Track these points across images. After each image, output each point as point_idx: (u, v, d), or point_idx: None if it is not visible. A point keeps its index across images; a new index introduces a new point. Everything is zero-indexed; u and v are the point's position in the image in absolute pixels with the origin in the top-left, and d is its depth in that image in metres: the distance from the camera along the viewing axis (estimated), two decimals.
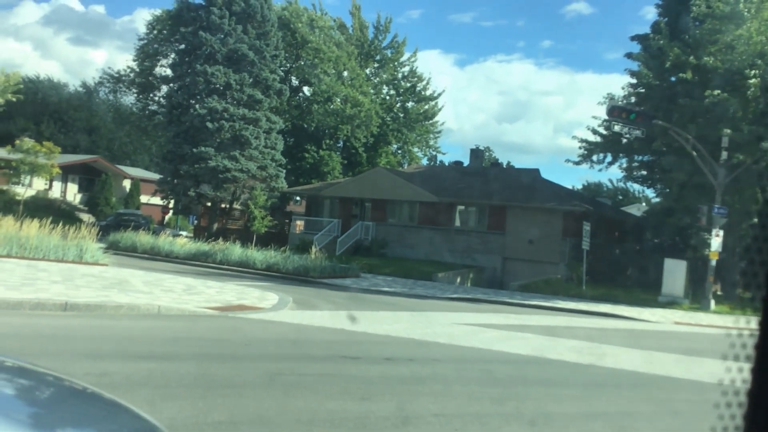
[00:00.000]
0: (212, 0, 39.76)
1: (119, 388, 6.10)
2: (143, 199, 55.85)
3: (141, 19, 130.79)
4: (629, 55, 31.81)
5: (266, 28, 41.16)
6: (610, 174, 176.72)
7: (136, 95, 53.89)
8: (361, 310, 15.97)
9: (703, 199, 26.19)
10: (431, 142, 55.81)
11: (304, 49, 47.57)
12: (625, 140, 30.98)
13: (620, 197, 65.22)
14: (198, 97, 39.22)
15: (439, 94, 54.10)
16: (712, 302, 24.29)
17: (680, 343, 15.13)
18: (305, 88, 51.37)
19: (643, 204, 56.54)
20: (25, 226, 19.90)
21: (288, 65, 49.15)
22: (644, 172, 35.38)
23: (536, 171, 41.46)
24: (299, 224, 41.49)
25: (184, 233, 43.43)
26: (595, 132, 33.32)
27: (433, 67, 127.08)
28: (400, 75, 53.70)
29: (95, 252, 20.41)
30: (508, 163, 71.05)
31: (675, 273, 25.40)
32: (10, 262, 17.16)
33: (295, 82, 51.26)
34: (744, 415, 1.15)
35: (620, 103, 30.34)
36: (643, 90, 31.16)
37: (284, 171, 42.14)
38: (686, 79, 26.23)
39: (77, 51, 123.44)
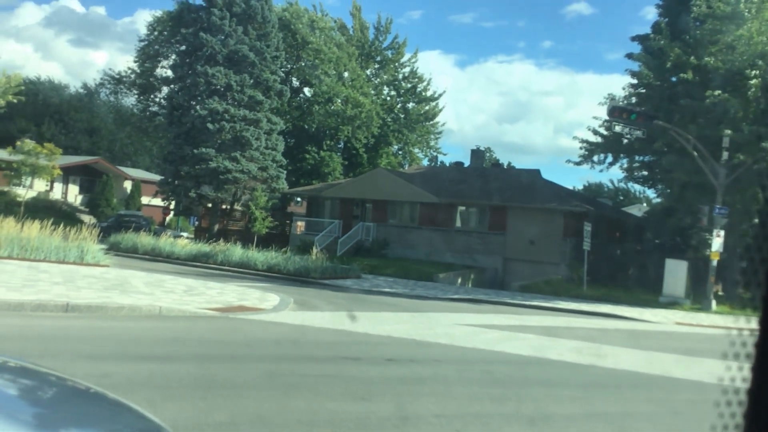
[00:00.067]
0: (213, 1, 39.79)
1: (120, 388, 6.10)
2: (144, 200, 55.89)
3: (142, 20, 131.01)
4: (630, 56, 31.84)
5: (267, 29, 41.18)
6: (611, 174, 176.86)
7: (136, 96, 53.95)
8: (362, 311, 15.97)
9: (704, 200, 26.18)
10: (432, 143, 55.84)
11: (305, 50, 47.60)
12: (625, 141, 30.97)
13: (621, 198, 65.25)
14: (199, 98, 39.24)
15: (440, 95, 54.16)
16: (714, 303, 24.27)
17: (681, 344, 15.12)
18: (306, 89, 51.39)
19: (644, 204, 56.57)
20: (26, 227, 19.91)
21: (289, 66, 49.18)
22: (645, 173, 35.38)
23: (537, 171, 41.47)
24: (300, 225, 41.48)
25: (185, 234, 43.43)
26: (595, 132, 33.32)
27: (434, 67, 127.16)
28: (400, 76, 53.72)
29: (96, 253, 20.42)
30: (509, 163, 71.05)
31: (676, 273, 25.39)
32: (11, 264, 17.17)
33: (295, 83, 51.28)
34: (744, 414, 1.15)
35: (621, 103, 30.33)
36: (643, 90, 31.16)
37: (285, 172, 42.14)
38: (687, 79, 26.22)
39: (78, 52, 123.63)
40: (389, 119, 51.74)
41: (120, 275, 17.58)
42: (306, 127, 48.81)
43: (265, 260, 26.36)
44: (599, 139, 33.20)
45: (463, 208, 36.53)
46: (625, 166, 34.95)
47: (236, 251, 27.61)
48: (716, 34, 25.95)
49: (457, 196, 36.68)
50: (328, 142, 49.36)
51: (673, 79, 28.52)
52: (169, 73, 46.89)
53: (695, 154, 24.83)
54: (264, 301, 15.26)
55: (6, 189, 44.38)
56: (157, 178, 47.78)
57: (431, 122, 54.19)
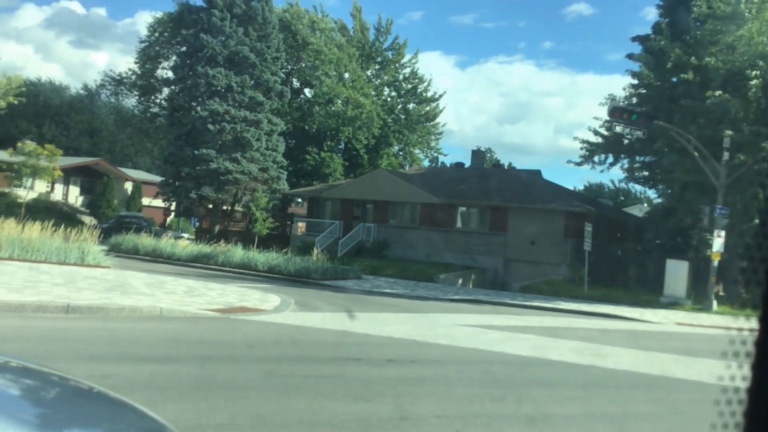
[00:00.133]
0: (213, 2, 39.83)
1: (121, 389, 6.08)
2: (145, 201, 55.91)
3: (142, 21, 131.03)
4: (630, 56, 31.85)
5: (267, 30, 41.22)
6: (612, 175, 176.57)
7: (137, 97, 53.99)
8: (362, 312, 15.97)
9: (704, 200, 26.18)
10: (432, 144, 55.81)
11: (305, 51, 47.61)
12: (626, 141, 30.99)
13: (622, 198, 65.25)
14: (199, 99, 39.27)
15: (440, 96, 54.12)
16: (714, 303, 24.26)
17: (682, 344, 15.12)
18: (306, 90, 51.39)
19: (645, 205, 56.55)
20: (26, 228, 19.93)
21: (289, 67, 49.20)
22: (646, 173, 35.38)
23: (537, 172, 41.49)
24: (301, 226, 41.49)
25: (185, 235, 43.45)
26: (596, 133, 33.33)
27: (434, 68, 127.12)
28: (401, 76, 53.71)
29: (97, 254, 20.42)
30: (510, 164, 71.00)
31: (677, 274, 25.37)
32: (12, 265, 17.18)
33: (296, 84, 51.30)
34: (744, 413, 1.15)
35: (621, 103, 30.33)
36: (644, 91, 31.17)
37: (285, 173, 42.16)
38: (687, 79, 26.22)
39: (79, 54, 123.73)
40: (390, 120, 51.74)
41: (121, 276, 17.58)
42: (306, 128, 48.82)
43: (266, 261, 26.37)
44: (600, 140, 33.21)
45: (463, 208, 36.53)
46: (626, 166, 34.98)
47: (237, 252, 27.62)
48: (717, 35, 25.96)
49: (458, 196, 36.69)
50: (329, 143, 49.37)
51: (674, 79, 28.52)
52: (170, 74, 46.99)
53: (696, 154, 24.83)
54: (265, 302, 15.26)
55: (7, 190, 44.41)
56: (157, 179, 47.83)
57: (432, 123, 54.18)
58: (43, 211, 40.95)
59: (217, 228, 40.89)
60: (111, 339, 9.86)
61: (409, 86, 53.49)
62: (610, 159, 33.73)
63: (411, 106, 53.37)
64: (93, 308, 11.64)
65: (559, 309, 21.70)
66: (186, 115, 39.36)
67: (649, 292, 27.05)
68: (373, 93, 50.15)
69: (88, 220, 45.13)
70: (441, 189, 37.28)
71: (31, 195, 45.86)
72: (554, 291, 26.97)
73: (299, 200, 52.36)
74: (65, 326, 10.35)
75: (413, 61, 53.73)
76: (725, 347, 1.22)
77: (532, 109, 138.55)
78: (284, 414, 6.29)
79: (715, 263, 23.97)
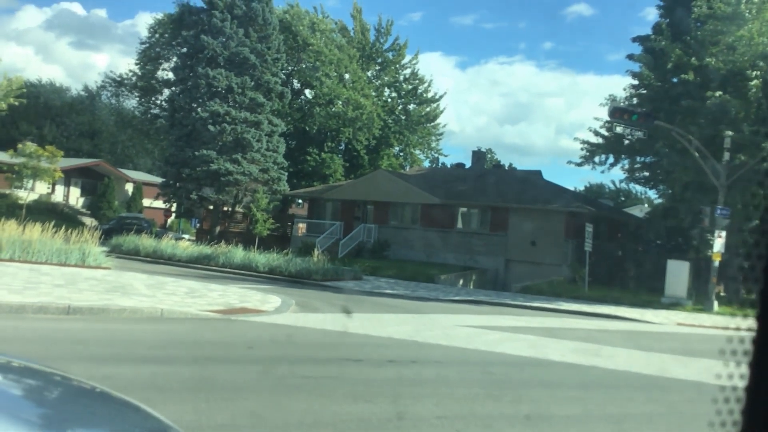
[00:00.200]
0: (214, 3, 39.85)
1: (122, 391, 6.08)
2: (146, 202, 55.95)
3: (143, 22, 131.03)
4: (631, 57, 31.86)
5: (268, 31, 41.25)
6: (612, 175, 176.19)
7: (138, 99, 54.04)
8: (363, 313, 15.97)
9: (705, 200, 26.17)
10: (433, 145, 55.80)
11: (306, 52, 47.62)
12: (626, 141, 31.00)
13: (622, 198, 65.24)
14: (200, 100, 39.29)
15: (441, 97, 54.10)
16: (715, 303, 24.24)
17: (682, 344, 15.12)
18: (307, 91, 51.40)
19: (645, 205, 56.52)
20: (27, 230, 19.93)
21: (289, 68, 49.22)
22: (646, 173, 35.39)
23: (538, 172, 41.49)
24: (301, 227, 41.50)
25: (186, 236, 43.47)
26: (596, 133, 33.34)
27: (435, 69, 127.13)
28: (401, 77, 53.71)
29: (98, 255, 20.43)
30: (510, 164, 71.02)
31: (678, 274, 25.36)
32: (12, 266, 17.19)
33: (296, 85, 51.31)
34: (742, 411, 1.15)
35: (622, 104, 30.35)
36: (644, 91, 31.17)
37: (286, 174, 42.18)
38: (688, 80, 26.23)
39: (79, 55, 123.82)
40: (390, 121, 51.74)
41: (121, 277, 17.59)
42: (307, 128, 48.82)
43: (267, 262, 26.37)
44: (600, 140, 33.22)
45: (464, 209, 36.53)
46: (626, 166, 35.00)
47: (238, 253, 27.62)
48: (717, 35, 25.97)
49: (459, 197, 36.69)
50: (329, 144, 49.37)
51: (674, 79, 28.53)
52: (170, 75, 47.03)
53: (696, 154, 24.82)
54: (265, 303, 15.26)
55: (7, 192, 44.45)
56: (158, 180, 47.86)
57: (432, 124, 54.18)
58: (43, 212, 41.00)
59: (217, 229, 40.90)
60: (112, 340, 9.87)
61: (410, 87, 53.49)
62: (611, 159, 33.75)
63: (411, 106, 53.38)
64: (94, 309, 11.65)
65: (560, 309, 21.69)
66: (186, 116, 39.39)
67: (649, 292, 27.04)
68: (373, 94, 50.14)
69: (88, 221, 45.16)
70: (441, 189, 37.28)
71: (32, 196, 45.90)
72: (555, 291, 26.96)
73: (300, 201, 52.35)
74: (66, 327, 10.36)
75: (413, 62, 53.77)
76: (723, 346, 1.22)
77: (533, 109, 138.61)
78: (284, 414, 6.29)
79: (716, 263, 23.96)
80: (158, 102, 52.56)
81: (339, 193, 40.09)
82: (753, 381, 1.14)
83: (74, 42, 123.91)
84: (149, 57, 51.00)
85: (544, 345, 12.69)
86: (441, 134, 55.83)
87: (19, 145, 40.48)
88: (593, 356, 11.67)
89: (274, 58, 41.31)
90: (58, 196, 54.22)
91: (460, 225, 36.27)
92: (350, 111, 46.11)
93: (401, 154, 54.61)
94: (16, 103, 39.83)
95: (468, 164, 46.55)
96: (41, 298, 11.78)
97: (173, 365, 8.30)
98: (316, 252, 28.70)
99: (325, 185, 43.91)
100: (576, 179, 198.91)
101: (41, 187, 48.41)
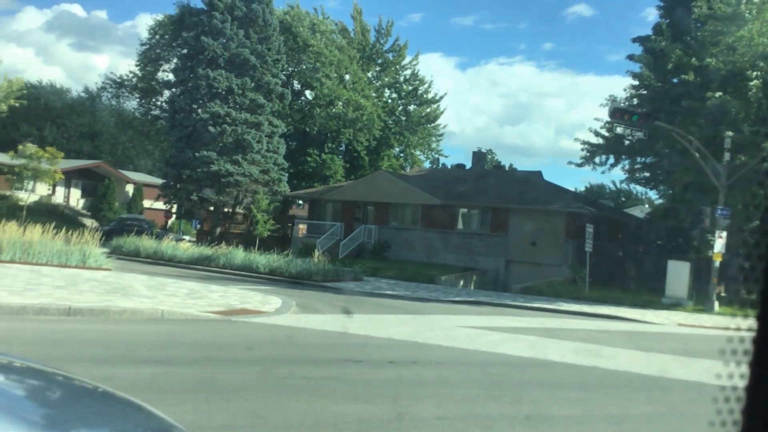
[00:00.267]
0: (214, 5, 39.87)
1: (123, 391, 6.09)
2: (146, 203, 55.98)
3: (143, 24, 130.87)
4: (631, 57, 31.86)
5: (268, 32, 41.26)
6: (613, 176, 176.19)
7: (138, 100, 54.05)
8: (363, 314, 15.98)
9: (705, 200, 26.17)
10: (433, 145, 55.79)
11: (306, 53, 47.63)
12: (627, 142, 30.99)
13: (623, 199, 65.24)
14: (200, 101, 39.31)
15: (441, 97, 54.09)
16: (716, 304, 24.24)
17: (683, 345, 15.11)
18: (307, 92, 51.41)
19: (646, 205, 56.52)
20: (28, 231, 19.94)
21: (290, 69, 49.22)
22: (646, 174, 35.39)
23: (538, 173, 41.49)
24: (302, 228, 41.51)
25: (186, 237, 43.48)
26: (597, 134, 33.34)
27: (435, 70, 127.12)
28: (401, 78, 53.70)
29: (98, 257, 20.44)
30: (511, 165, 71.08)
31: (678, 274, 25.36)
32: (13, 267, 17.19)
33: (297, 86, 51.32)
34: (742, 410, 1.15)
35: (622, 104, 30.35)
36: (645, 91, 31.17)
37: (286, 175, 42.18)
38: (688, 80, 26.23)
39: (79, 56, 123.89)
40: (390, 122, 51.74)
41: (122, 279, 17.60)
42: (307, 129, 48.84)
43: (267, 263, 26.37)
44: (601, 141, 33.22)
45: (464, 210, 36.53)
46: (627, 167, 34.99)
47: (238, 254, 27.63)
48: (717, 35, 25.97)
49: (459, 198, 36.70)
50: (330, 145, 49.38)
51: (675, 80, 28.53)
52: (171, 76, 47.02)
53: (697, 154, 24.82)
54: (266, 304, 15.26)
55: (8, 193, 44.47)
56: (158, 181, 47.88)
57: (432, 124, 54.17)
58: (44, 213, 41.03)
59: (218, 230, 40.91)
60: (112, 341, 9.87)
61: (410, 88, 53.49)
62: (611, 160, 33.74)
63: (412, 107, 53.38)
64: (94, 311, 11.65)
65: (560, 310, 21.69)
66: (187, 117, 39.40)
67: (650, 293, 27.04)
68: (373, 95, 50.15)
69: (89, 222, 45.19)
70: (442, 190, 37.29)
71: (33, 198, 45.90)
72: (555, 292, 26.96)
73: (300, 202, 52.36)
74: (67, 328, 10.37)
75: (414, 62, 53.75)
76: (724, 346, 1.22)
77: (533, 110, 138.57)
78: (285, 415, 6.30)
79: (717, 264, 23.96)
80: (158, 103, 52.59)
81: (339, 194, 40.10)
82: (753, 381, 1.14)
83: (74, 43, 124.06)
84: (149, 58, 51.01)
85: (544, 346, 12.69)
86: (441, 135, 55.86)
87: (20, 147, 40.49)
88: (594, 357, 11.67)
89: (275, 59, 41.32)
90: (59, 197, 54.23)
91: (460, 226, 36.27)
92: (350, 112, 46.12)
93: (401, 154, 54.61)
94: (17, 105, 39.85)
95: (468, 165, 46.59)
96: (42, 300, 11.79)
97: (174, 366, 8.30)
98: (316, 253, 28.71)
99: (325, 186, 43.93)
100: (576, 180, 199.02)
101: (42, 189, 48.41)
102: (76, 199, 56.38)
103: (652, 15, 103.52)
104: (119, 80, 53.65)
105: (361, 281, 26.42)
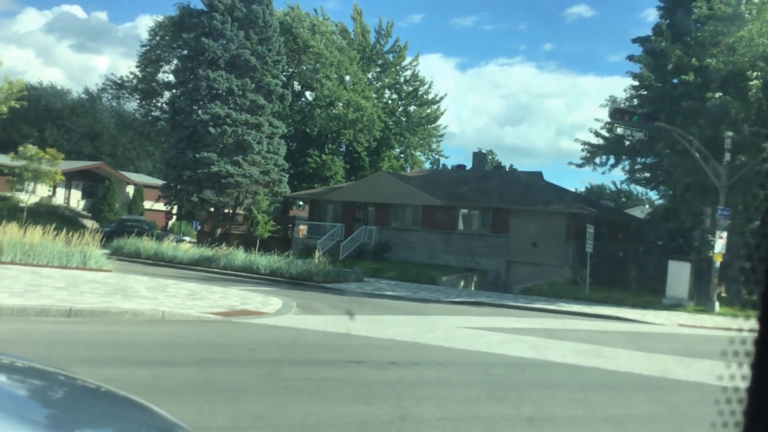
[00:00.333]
0: (214, 6, 39.89)
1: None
2: (147, 204, 56.00)
3: (143, 25, 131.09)
4: (631, 58, 31.84)
5: (268, 33, 41.26)
6: (613, 176, 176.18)
7: (138, 101, 54.03)
8: (364, 315, 15.97)
9: (706, 201, 26.16)
10: (434, 146, 55.79)
11: (306, 54, 47.65)
12: (627, 142, 30.96)
13: (623, 199, 65.23)
14: (201, 102, 39.32)
15: (441, 98, 54.10)
16: (717, 304, 24.23)
17: (684, 346, 15.10)
18: (307, 93, 51.43)
19: (646, 206, 56.51)
20: (28, 232, 19.94)
21: (290, 70, 49.24)
22: (647, 174, 35.35)
23: (539, 174, 41.49)
24: (302, 229, 41.50)
25: (187, 239, 43.48)
26: (597, 134, 33.32)
27: (435, 71, 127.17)
28: (402, 79, 53.70)
29: (99, 258, 20.45)
30: (511, 166, 71.06)
31: (679, 275, 25.35)
32: (14, 269, 17.20)
33: (297, 87, 51.33)
34: (744, 411, 1.15)
35: (622, 105, 30.34)
36: (645, 92, 31.16)
37: (287, 176, 42.18)
38: (688, 80, 26.22)
39: (80, 58, 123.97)
40: (391, 122, 51.75)
41: (122, 280, 17.60)
42: (308, 130, 48.85)
43: (268, 264, 26.37)
44: (601, 141, 33.20)
45: (465, 210, 36.52)
46: (627, 167, 34.96)
47: (239, 255, 27.63)
48: (717, 36, 25.96)
49: (459, 198, 36.69)
50: (330, 146, 49.39)
51: (675, 80, 28.52)
52: (171, 77, 47.02)
53: (697, 155, 24.81)
54: (266, 305, 15.26)
55: (8, 194, 44.45)
56: (159, 182, 47.88)
57: (433, 125, 54.17)
58: (44, 215, 41.03)
59: (218, 231, 40.92)
60: (113, 342, 9.87)
61: (410, 89, 53.49)
62: (612, 160, 33.72)
63: (412, 108, 53.38)
64: (95, 312, 11.66)
65: (561, 311, 21.69)
66: (187, 118, 39.40)
67: (650, 293, 27.03)
68: (374, 95, 50.16)
69: (89, 223, 45.21)
70: (442, 191, 37.28)
71: (33, 199, 45.90)
72: (556, 293, 26.96)
73: (300, 203, 52.36)
74: (67, 330, 10.37)
75: (414, 63, 53.74)
76: (725, 347, 1.22)
77: (533, 111, 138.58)
78: (286, 416, 6.30)
79: (717, 264, 23.95)
80: (159, 104, 52.58)
81: (340, 195, 40.10)
82: (755, 382, 1.14)
83: (75, 45, 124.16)
84: (150, 59, 51.02)
85: (545, 346, 12.69)
86: (441, 136, 55.84)
87: (20, 148, 40.49)
88: (595, 357, 11.67)
89: (275, 61, 41.33)
90: (59, 198, 54.25)
91: (461, 227, 36.27)
92: (351, 113, 46.13)
93: (402, 155, 54.62)
94: (17, 106, 39.84)
95: (469, 166, 46.54)
96: (42, 301, 11.79)
97: (175, 367, 8.30)
98: (317, 254, 28.70)
99: (325, 187, 43.92)
100: (577, 180, 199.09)
101: (42, 190, 48.41)
102: (76, 200, 56.40)
103: (652, 15, 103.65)
104: (120, 81, 53.65)
105: (361, 282, 26.42)
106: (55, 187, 49.80)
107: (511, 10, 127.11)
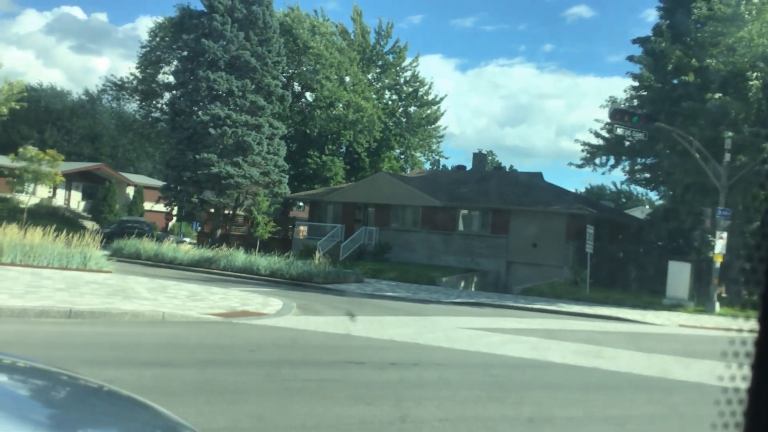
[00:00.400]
0: (214, 7, 39.88)
1: None
2: (147, 206, 56.00)
3: (143, 26, 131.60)
4: (631, 58, 31.85)
5: (268, 34, 41.26)
6: (613, 177, 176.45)
7: (138, 102, 54.03)
8: (364, 315, 15.97)
9: (706, 201, 26.16)
10: (434, 147, 55.78)
11: (306, 55, 47.65)
12: (627, 143, 30.97)
13: (623, 200, 65.24)
14: (201, 103, 39.31)
15: (441, 99, 54.09)
16: (717, 305, 24.23)
17: (684, 346, 15.10)
18: (307, 94, 51.43)
19: (647, 206, 56.51)
20: (28, 233, 19.94)
21: (290, 71, 49.24)
22: (647, 175, 35.37)
23: (539, 174, 41.49)
24: (302, 230, 41.50)
25: (187, 240, 43.50)
26: (597, 135, 33.33)
27: (435, 71, 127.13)
28: (402, 80, 53.70)
29: (99, 259, 20.45)
30: (511, 166, 71.05)
31: (679, 275, 25.35)
32: (14, 270, 17.20)
33: (297, 87, 51.32)
34: (744, 412, 1.15)
35: (622, 105, 30.35)
36: (645, 92, 31.17)
37: (287, 177, 42.17)
38: (688, 81, 26.23)
39: (80, 59, 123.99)
40: (391, 123, 51.74)
41: (123, 281, 17.60)
42: (308, 131, 48.85)
43: (268, 265, 26.37)
44: (601, 142, 33.22)
45: (465, 211, 36.53)
46: (627, 168, 34.98)
47: (239, 256, 27.63)
48: (717, 36, 25.97)
49: (459, 199, 36.69)
50: (330, 147, 49.40)
51: (675, 81, 28.53)
52: (171, 78, 47.01)
53: (697, 155, 24.82)
54: (267, 306, 15.26)
55: (9, 196, 44.46)
56: (159, 183, 47.89)
57: (433, 126, 54.17)
58: (45, 216, 41.04)
59: (218, 232, 40.91)
60: (113, 343, 9.87)
61: (410, 89, 53.49)
62: (612, 161, 33.73)
63: (412, 109, 53.37)
64: (95, 313, 11.65)
65: (561, 311, 21.69)
66: (187, 119, 39.39)
67: (651, 294, 27.02)
68: (374, 96, 50.16)
69: (90, 225, 45.23)
70: (442, 192, 37.29)
71: (33, 200, 45.92)
72: (556, 293, 26.96)
73: (301, 204, 52.35)
74: (68, 331, 10.37)
75: (414, 64, 53.74)
76: (726, 348, 1.22)
77: (533, 111, 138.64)
78: (287, 417, 6.30)
79: (717, 265, 23.95)
80: (159, 105, 52.57)
81: (340, 196, 40.11)
82: (755, 382, 1.14)
83: (75, 46, 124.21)
84: (150, 60, 51.02)
85: (545, 347, 12.69)
86: (442, 136, 55.82)
87: (20, 149, 40.51)
88: (595, 358, 11.66)
89: (275, 62, 41.32)
90: (60, 200, 54.25)
91: (461, 227, 36.27)
92: (351, 114, 46.13)
93: (402, 156, 54.62)
94: (17, 107, 39.85)
95: (469, 166, 46.56)
96: (43, 302, 11.79)
97: (175, 368, 8.30)
98: (317, 255, 28.70)
99: (326, 188, 43.93)
100: (577, 181, 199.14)
101: (42, 191, 48.43)
102: (76, 201, 56.40)
103: (651, 16, 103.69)
104: (120, 83, 53.67)
105: (362, 283, 26.42)
106: (55, 189, 49.83)
107: (511, 10, 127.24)
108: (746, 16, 25.79)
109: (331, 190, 42.30)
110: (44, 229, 20.41)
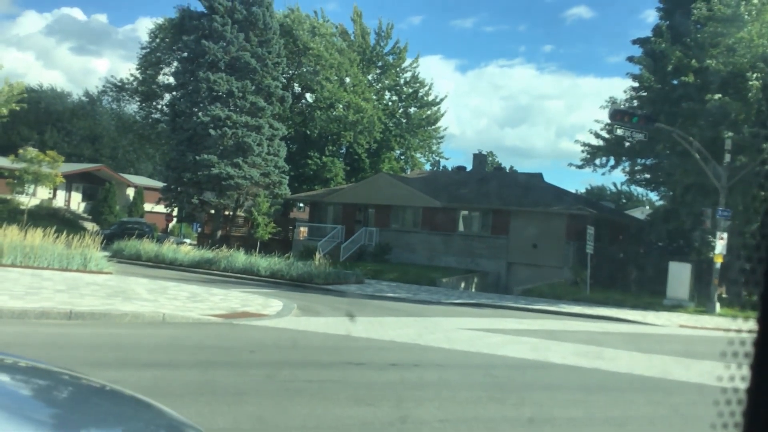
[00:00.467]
0: (214, 8, 39.89)
1: None
2: (147, 207, 56.00)
3: (143, 27, 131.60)
4: (631, 59, 31.83)
5: (268, 35, 41.26)
6: (613, 177, 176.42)
7: (139, 103, 54.02)
8: (365, 316, 15.97)
9: (706, 202, 26.16)
10: (434, 148, 55.80)
11: (306, 56, 47.66)
12: (627, 143, 30.95)
13: (623, 200, 65.26)
14: (201, 104, 39.31)
15: (441, 100, 54.14)
16: (717, 305, 24.23)
17: (684, 347, 15.09)
18: (307, 95, 51.43)
19: (647, 207, 56.51)
20: (29, 235, 19.95)
21: (290, 72, 49.24)
22: (647, 175, 35.36)
23: (539, 175, 41.47)
24: (303, 231, 41.50)
25: (187, 241, 43.49)
26: (597, 135, 33.32)
27: (435, 72, 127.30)
28: (402, 81, 53.73)
29: (99, 260, 20.46)
30: (511, 167, 70.99)
31: (680, 276, 25.34)
32: (14, 271, 17.20)
33: (297, 89, 51.32)
34: (743, 412, 1.15)
35: (622, 106, 30.34)
36: (645, 93, 31.16)
37: (287, 178, 42.16)
38: (688, 82, 26.23)
39: (80, 60, 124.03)
40: (391, 124, 51.76)
41: (123, 282, 17.60)
42: (308, 132, 48.86)
43: (268, 266, 26.38)
44: (601, 143, 33.20)
45: (465, 212, 36.53)
46: (627, 169, 34.95)
47: (239, 257, 27.64)
48: (717, 37, 25.96)
49: (460, 200, 36.69)
50: (330, 148, 49.40)
51: (675, 81, 28.52)
52: (171, 80, 47.01)
53: (697, 156, 24.82)
54: (267, 307, 15.26)
55: (9, 197, 44.47)
56: (159, 184, 47.89)
57: (433, 127, 54.19)
58: (45, 217, 41.06)
59: (219, 233, 40.90)
60: (114, 345, 9.87)
61: (410, 90, 53.52)
62: (612, 162, 33.70)
63: (412, 110, 53.40)
64: (96, 314, 11.65)
65: (562, 312, 21.69)
66: (187, 120, 39.39)
67: (651, 294, 27.01)
68: (374, 97, 50.18)
69: (90, 226, 45.22)
70: (442, 193, 37.29)
71: (33, 202, 45.91)
72: (556, 294, 26.95)
73: (301, 205, 52.37)
74: (68, 332, 10.37)
75: (414, 65, 53.77)
76: (725, 348, 1.23)
77: (533, 112, 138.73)
78: (287, 418, 6.30)
79: (718, 265, 23.94)
80: (159, 107, 52.56)
81: (340, 197, 40.11)
82: (754, 383, 1.15)
83: (75, 47, 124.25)
84: (150, 62, 51.02)
85: (546, 348, 12.69)
86: (442, 137, 55.86)
87: (21, 151, 40.53)
88: (595, 359, 11.66)
89: (275, 63, 41.33)
90: (60, 201, 54.26)
91: (461, 228, 36.27)
92: (351, 114, 46.14)
93: (402, 157, 54.64)
94: (17, 109, 39.86)
95: (469, 167, 46.57)
96: (43, 304, 11.80)
97: (175, 370, 8.30)
98: (317, 256, 28.70)
99: (326, 189, 43.93)
100: (577, 182, 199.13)
101: (42, 193, 48.44)
102: (77, 202, 56.41)
103: (651, 17, 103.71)
104: (120, 84, 53.66)
105: (362, 284, 26.42)
106: (55, 190, 49.85)
107: (510, 11, 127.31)
108: (746, 16, 25.79)
109: (331, 191, 42.30)
110: (44, 231, 20.42)
